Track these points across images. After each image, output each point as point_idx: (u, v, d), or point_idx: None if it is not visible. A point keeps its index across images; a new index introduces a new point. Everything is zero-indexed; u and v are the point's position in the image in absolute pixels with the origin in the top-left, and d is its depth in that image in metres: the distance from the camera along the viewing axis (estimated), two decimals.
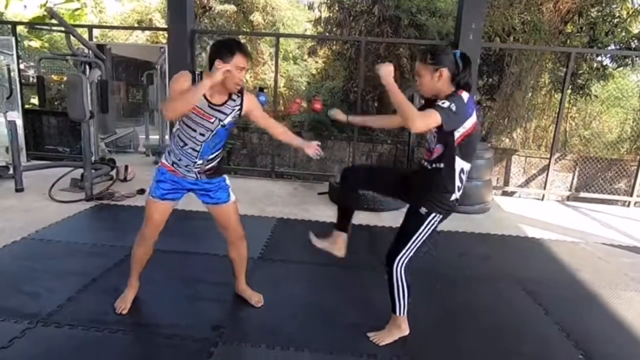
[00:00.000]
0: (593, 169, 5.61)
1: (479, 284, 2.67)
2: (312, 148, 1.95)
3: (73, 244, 2.93)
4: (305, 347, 1.89)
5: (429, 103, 1.73)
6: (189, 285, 2.39)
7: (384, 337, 1.94)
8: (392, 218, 3.84)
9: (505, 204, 4.98)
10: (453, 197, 1.75)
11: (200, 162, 1.89)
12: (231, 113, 1.86)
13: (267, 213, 3.86)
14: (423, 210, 1.75)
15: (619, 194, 5.44)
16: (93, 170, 4.31)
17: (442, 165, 1.71)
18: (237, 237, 2.10)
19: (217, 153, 1.94)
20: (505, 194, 5.65)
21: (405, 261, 1.81)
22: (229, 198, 2.03)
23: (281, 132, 2.04)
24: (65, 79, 6.83)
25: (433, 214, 1.74)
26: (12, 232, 3.00)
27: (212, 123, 1.83)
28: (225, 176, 2.05)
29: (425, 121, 1.58)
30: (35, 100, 7.45)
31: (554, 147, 5.17)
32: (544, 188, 5.30)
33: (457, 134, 1.66)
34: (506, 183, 5.72)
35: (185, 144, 1.86)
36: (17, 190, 4.11)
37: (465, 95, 1.66)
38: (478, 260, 3.11)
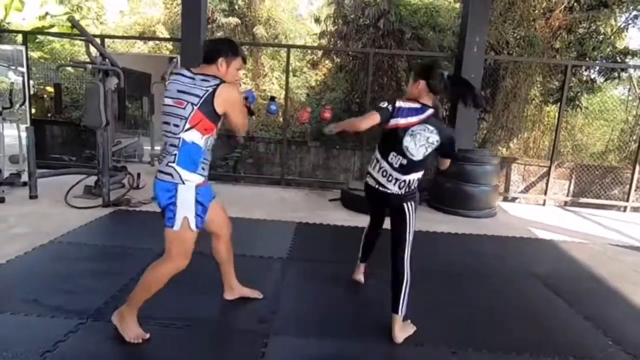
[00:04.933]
0: (589, 177, 5.87)
1: (499, 282, 2.79)
2: None
3: (102, 247, 2.96)
4: (345, 334, 1.99)
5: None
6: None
7: (399, 335, 1.96)
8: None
9: (509, 208, 5.16)
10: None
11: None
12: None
13: (286, 218, 3.93)
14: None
15: (614, 200, 5.69)
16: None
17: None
18: (229, 232, 2.08)
19: None
20: (506, 199, 5.84)
21: (410, 255, 2.00)
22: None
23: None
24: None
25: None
26: (38, 236, 3.00)
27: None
28: None
29: (365, 122, 1.94)
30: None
31: (554, 155, 5.40)
32: (545, 194, 5.51)
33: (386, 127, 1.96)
34: (507, 190, 5.92)
35: (210, 146, 1.82)
36: (31, 197, 4.09)
37: (401, 102, 1.94)
38: (493, 259, 3.24)
